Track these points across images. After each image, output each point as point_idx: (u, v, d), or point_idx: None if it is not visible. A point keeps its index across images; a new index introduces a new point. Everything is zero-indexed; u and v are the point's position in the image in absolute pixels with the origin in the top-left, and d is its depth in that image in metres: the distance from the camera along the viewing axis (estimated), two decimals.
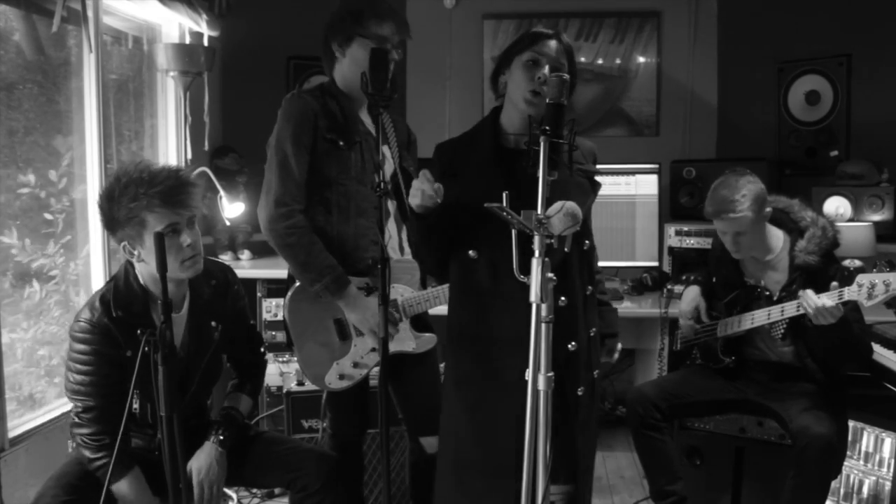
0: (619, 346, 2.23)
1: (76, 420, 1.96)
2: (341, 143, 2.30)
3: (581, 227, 1.98)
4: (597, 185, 2.11)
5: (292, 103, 2.30)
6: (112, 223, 1.93)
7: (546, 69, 1.92)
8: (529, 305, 1.59)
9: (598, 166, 2.15)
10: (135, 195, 1.88)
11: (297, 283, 2.36)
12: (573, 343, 1.98)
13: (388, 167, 2.42)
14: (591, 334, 2.07)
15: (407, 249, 2.47)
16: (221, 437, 2.10)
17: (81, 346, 1.93)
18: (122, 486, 1.94)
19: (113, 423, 1.90)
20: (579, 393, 2.01)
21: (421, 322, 2.48)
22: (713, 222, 2.60)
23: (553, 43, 1.98)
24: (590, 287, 2.06)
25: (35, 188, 2.70)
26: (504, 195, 1.61)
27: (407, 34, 2.37)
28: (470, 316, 2.05)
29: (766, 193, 2.54)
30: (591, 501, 2.15)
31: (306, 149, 2.26)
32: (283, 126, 2.27)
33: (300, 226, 2.25)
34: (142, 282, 2.00)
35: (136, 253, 1.94)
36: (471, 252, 1.99)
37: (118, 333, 1.93)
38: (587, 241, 2.06)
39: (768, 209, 2.54)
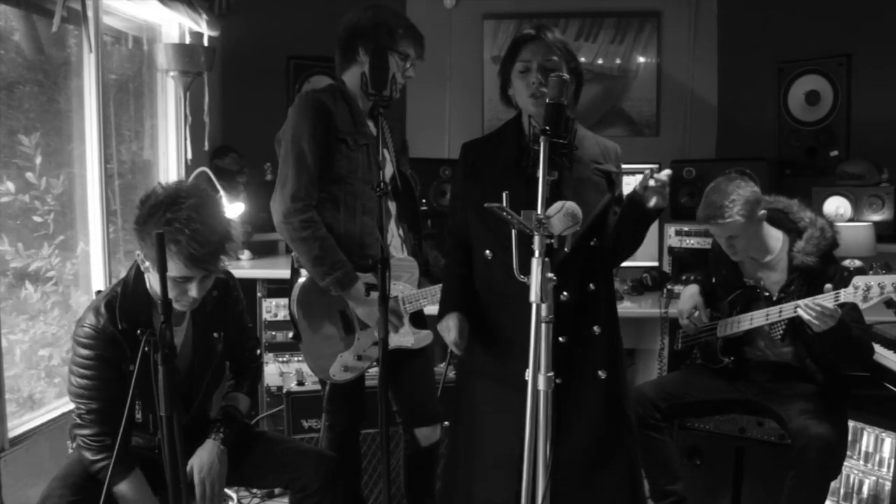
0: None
1: (78, 421, 1.96)
2: (351, 143, 2.34)
3: (591, 226, 1.99)
4: (614, 185, 2.10)
5: (308, 100, 2.34)
6: (140, 233, 1.92)
7: (536, 74, 1.95)
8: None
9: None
10: (170, 236, 1.84)
11: (304, 278, 2.39)
12: (563, 337, 1.99)
13: (388, 170, 2.45)
14: (596, 331, 2.06)
15: (406, 248, 2.51)
16: (223, 435, 2.10)
17: (85, 352, 1.93)
18: (123, 488, 1.94)
19: (114, 424, 1.90)
20: (557, 381, 1.98)
21: (418, 319, 2.54)
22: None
23: (533, 45, 2.01)
24: (591, 285, 2.06)
25: (17, 194, 2.66)
26: (504, 195, 1.61)
27: (423, 54, 2.43)
28: (483, 313, 2.10)
29: (759, 196, 2.54)
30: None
31: (320, 146, 2.30)
32: (300, 122, 2.30)
33: (315, 220, 2.30)
34: (149, 286, 2.00)
35: (147, 266, 1.95)
36: (487, 252, 2.04)
37: (123, 342, 1.93)
38: (595, 239, 2.05)
39: (763, 212, 2.54)
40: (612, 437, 2.08)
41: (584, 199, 1.98)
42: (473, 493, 2.13)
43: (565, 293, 1.99)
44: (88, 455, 1.94)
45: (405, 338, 2.46)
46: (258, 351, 2.40)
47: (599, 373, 2.05)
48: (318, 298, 2.39)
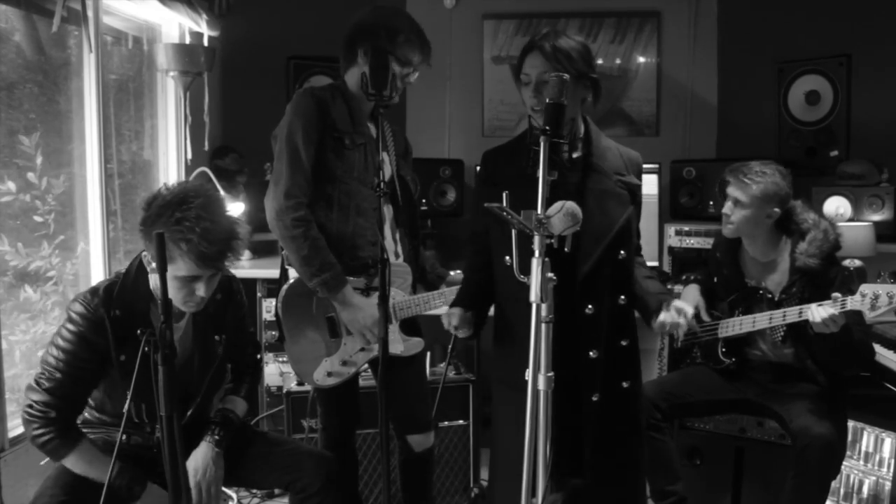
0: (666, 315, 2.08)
1: (33, 384, 1.94)
2: (347, 142, 2.32)
3: (616, 238, 2.00)
4: (637, 198, 2.12)
5: (304, 98, 2.32)
6: (147, 234, 1.91)
7: (533, 90, 1.99)
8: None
9: None
10: (180, 235, 1.84)
11: (292, 280, 2.38)
12: (594, 351, 2.01)
13: (387, 172, 2.43)
14: (623, 344, 2.08)
15: (401, 254, 2.48)
16: (217, 437, 2.10)
17: (70, 326, 1.93)
18: (71, 461, 1.93)
19: (66, 402, 1.92)
20: (594, 399, 2.03)
21: (411, 326, 2.50)
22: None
23: (532, 58, 2.01)
24: (622, 297, 2.07)
25: (17, 193, 2.65)
26: (504, 195, 1.61)
27: (429, 61, 2.40)
28: (507, 320, 2.11)
29: (783, 193, 2.53)
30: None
31: (315, 144, 2.28)
32: (294, 119, 2.28)
33: (307, 219, 2.27)
34: (152, 286, 2.00)
35: (153, 267, 1.94)
36: (507, 258, 2.03)
37: (110, 328, 1.92)
38: (622, 252, 2.05)
39: (775, 209, 2.54)
40: (630, 441, 2.13)
41: (606, 212, 2.01)
42: (497, 498, 2.17)
43: (590, 307, 2.00)
44: (31, 430, 1.92)
45: (394, 345, 2.40)
46: (259, 355, 2.39)
47: (624, 384, 2.09)
48: (304, 301, 2.36)
